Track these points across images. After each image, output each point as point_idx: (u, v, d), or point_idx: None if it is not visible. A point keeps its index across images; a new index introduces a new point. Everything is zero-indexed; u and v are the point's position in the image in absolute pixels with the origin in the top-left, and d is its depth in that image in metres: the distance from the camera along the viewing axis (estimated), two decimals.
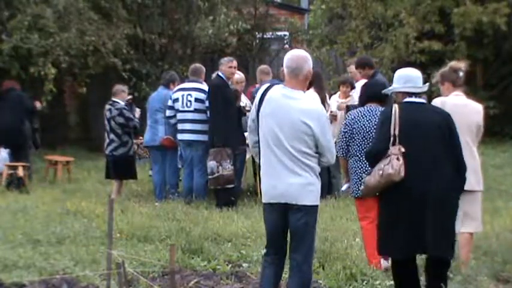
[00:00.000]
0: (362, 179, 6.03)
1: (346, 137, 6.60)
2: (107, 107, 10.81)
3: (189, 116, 9.99)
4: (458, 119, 5.84)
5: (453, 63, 7.01)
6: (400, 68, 5.83)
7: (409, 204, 5.11)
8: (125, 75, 15.71)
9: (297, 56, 5.06)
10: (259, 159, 5.14)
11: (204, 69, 10.49)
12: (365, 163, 6.15)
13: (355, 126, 6.56)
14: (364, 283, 6.10)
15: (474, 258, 6.61)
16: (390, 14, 16.18)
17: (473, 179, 6.18)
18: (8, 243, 7.25)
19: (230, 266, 6.65)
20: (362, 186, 5.30)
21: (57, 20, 14.96)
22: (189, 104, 10.00)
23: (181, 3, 17.90)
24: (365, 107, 6.68)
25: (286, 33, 20.38)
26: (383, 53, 15.59)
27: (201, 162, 9.86)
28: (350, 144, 6.57)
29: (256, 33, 19.25)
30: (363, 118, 6.54)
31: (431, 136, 5.18)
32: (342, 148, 6.62)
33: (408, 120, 5.17)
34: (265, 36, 19.69)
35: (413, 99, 5.34)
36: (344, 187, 7.24)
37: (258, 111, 5.04)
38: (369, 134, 6.40)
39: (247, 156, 10.37)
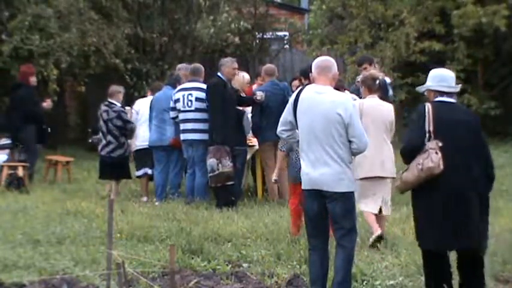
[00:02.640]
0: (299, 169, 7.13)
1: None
2: (103, 108, 10.79)
3: (191, 115, 9.98)
4: (375, 117, 7.54)
5: (373, 72, 8.41)
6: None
7: (445, 198, 5.31)
8: (126, 76, 15.72)
9: (327, 59, 5.82)
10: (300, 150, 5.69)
11: (203, 69, 10.49)
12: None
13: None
14: (364, 283, 6.10)
15: None
16: (390, 13, 16.18)
17: (392, 167, 7.57)
18: (8, 243, 7.25)
19: (230, 266, 6.64)
20: (397, 182, 5.60)
21: (57, 20, 14.95)
22: (190, 103, 9.99)
23: (181, 3, 17.91)
24: None
25: (286, 33, 20.39)
26: (383, 52, 15.58)
27: (202, 161, 9.84)
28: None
29: (256, 33, 19.26)
30: None
31: (462, 134, 5.38)
32: (285, 143, 7.68)
33: (441, 118, 5.39)
34: (265, 36, 19.71)
35: (444, 98, 5.54)
36: (274, 177, 8.32)
37: (295, 111, 5.61)
38: None
39: (248, 156, 10.37)
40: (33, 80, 12.43)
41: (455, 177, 5.27)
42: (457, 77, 6.68)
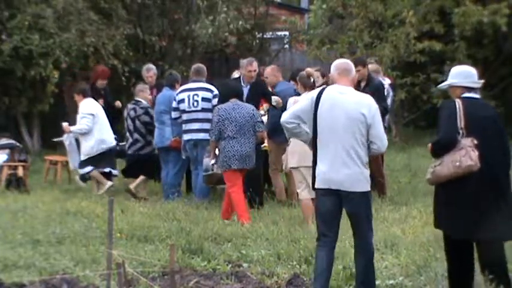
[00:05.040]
0: (230, 157, 8.66)
1: (219, 126, 8.77)
2: (131, 106, 10.97)
3: (197, 115, 9.96)
4: None
5: (309, 69, 9.26)
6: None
7: (478, 192, 5.41)
8: (124, 79, 15.70)
9: (347, 62, 5.96)
10: (313, 147, 5.71)
11: (205, 68, 10.49)
12: (233, 145, 8.67)
13: (227, 117, 8.78)
14: None
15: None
16: (390, 13, 16.17)
17: None
18: (8, 243, 7.26)
19: (230, 266, 6.65)
20: (429, 175, 5.57)
21: (56, 20, 14.94)
22: (196, 103, 9.98)
23: (181, 3, 17.90)
24: (231, 103, 8.94)
25: (286, 33, 20.36)
26: (383, 52, 15.57)
27: None
28: (222, 130, 8.75)
29: (256, 33, 19.24)
30: (233, 111, 8.82)
31: (490, 130, 5.53)
32: (215, 134, 8.82)
33: (471, 115, 5.50)
34: (265, 36, 19.68)
35: (471, 94, 5.66)
36: (212, 161, 9.07)
37: (316, 111, 5.61)
38: (238, 122, 8.75)
39: None
40: (100, 82, 12.71)
41: (488, 171, 5.37)
42: None
